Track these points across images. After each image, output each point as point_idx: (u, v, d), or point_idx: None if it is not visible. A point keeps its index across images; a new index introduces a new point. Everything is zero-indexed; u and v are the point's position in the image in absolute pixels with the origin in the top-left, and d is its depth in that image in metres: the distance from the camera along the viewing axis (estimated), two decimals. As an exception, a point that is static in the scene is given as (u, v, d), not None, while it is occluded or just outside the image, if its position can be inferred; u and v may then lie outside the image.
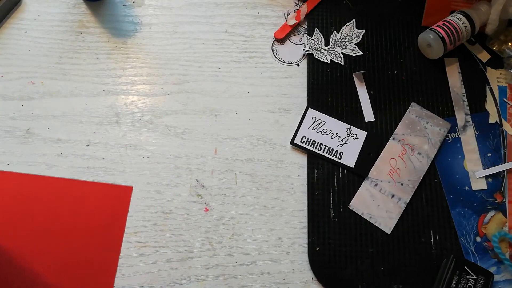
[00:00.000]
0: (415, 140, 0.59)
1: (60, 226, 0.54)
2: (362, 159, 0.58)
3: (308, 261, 0.54)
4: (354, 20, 0.66)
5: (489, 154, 0.59)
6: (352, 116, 0.60)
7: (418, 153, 0.59)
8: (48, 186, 0.56)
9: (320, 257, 0.54)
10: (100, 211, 0.55)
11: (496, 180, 0.58)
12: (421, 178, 0.57)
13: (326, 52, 0.64)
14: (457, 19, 0.61)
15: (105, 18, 0.65)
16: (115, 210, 0.55)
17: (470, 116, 0.61)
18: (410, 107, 0.61)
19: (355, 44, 0.64)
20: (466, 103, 0.61)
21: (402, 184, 0.57)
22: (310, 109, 0.60)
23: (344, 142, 0.59)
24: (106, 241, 0.54)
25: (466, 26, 0.60)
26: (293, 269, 0.54)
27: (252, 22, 0.66)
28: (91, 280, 0.52)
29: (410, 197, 0.57)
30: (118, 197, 0.56)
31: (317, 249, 0.55)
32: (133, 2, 0.67)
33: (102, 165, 0.58)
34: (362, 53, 0.64)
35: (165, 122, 0.60)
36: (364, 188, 0.57)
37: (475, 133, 0.60)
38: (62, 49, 0.63)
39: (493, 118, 0.61)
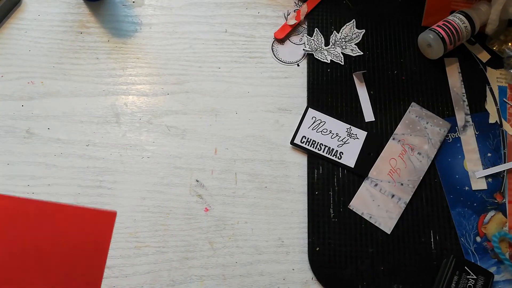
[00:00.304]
0: (415, 140, 0.59)
1: (39, 252, 0.53)
2: (362, 159, 0.58)
3: (308, 261, 0.54)
4: (354, 20, 0.66)
5: (489, 154, 0.59)
6: (352, 116, 0.60)
7: (418, 153, 0.59)
8: (28, 209, 0.55)
9: (320, 257, 0.54)
10: (80, 238, 0.53)
11: (496, 180, 0.58)
12: (421, 178, 0.57)
13: (326, 52, 0.64)
14: (457, 19, 0.61)
15: (105, 18, 0.65)
16: (96, 238, 0.53)
17: (470, 116, 0.61)
18: (410, 107, 0.61)
19: (355, 44, 0.64)
20: (466, 103, 0.61)
21: (402, 184, 0.57)
22: (310, 109, 0.60)
23: (344, 142, 0.59)
24: (86, 271, 0.52)
25: (466, 26, 0.60)
26: (293, 269, 0.54)
27: (252, 22, 0.66)
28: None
29: (410, 197, 0.57)
30: (100, 224, 0.54)
31: (317, 249, 0.55)
32: (133, 2, 0.67)
33: (102, 165, 0.58)
34: (362, 53, 0.64)
35: (165, 122, 0.60)
36: (364, 188, 0.57)
37: (475, 133, 0.60)
38: (62, 49, 0.63)
39: (493, 118, 0.61)
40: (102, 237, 0.54)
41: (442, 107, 0.61)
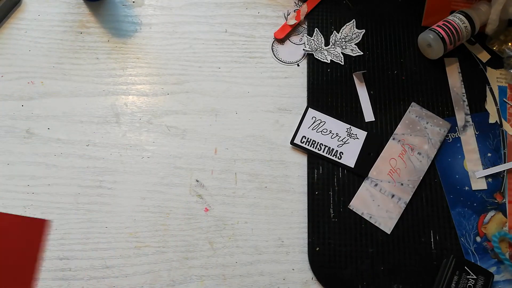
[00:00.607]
0: (415, 140, 0.59)
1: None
2: (362, 159, 0.58)
3: (308, 261, 0.54)
4: (354, 20, 0.66)
5: (489, 154, 0.59)
6: (352, 116, 0.60)
7: (418, 153, 0.59)
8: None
9: (320, 257, 0.54)
10: (6, 246, 0.50)
11: (496, 180, 0.58)
12: (421, 178, 0.57)
13: (326, 52, 0.64)
14: (457, 19, 0.61)
15: (105, 18, 0.65)
16: (26, 247, 0.50)
17: (470, 116, 0.61)
18: (410, 107, 0.61)
19: (355, 44, 0.64)
20: (466, 103, 0.61)
21: (402, 184, 0.57)
22: (310, 109, 0.60)
23: (344, 142, 0.59)
24: (14, 279, 0.49)
25: (466, 26, 0.60)
26: (293, 269, 0.54)
27: (252, 22, 0.66)
28: None
29: (410, 197, 0.57)
30: (30, 232, 0.50)
31: (317, 249, 0.55)
32: (133, 2, 0.67)
33: (102, 165, 0.58)
34: (362, 53, 0.64)
35: (165, 122, 0.60)
36: (364, 188, 0.57)
37: (475, 133, 0.60)
38: (62, 49, 0.63)
39: (493, 118, 0.61)
40: (32, 245, 0.52)
41: (442, 107, 0.61)
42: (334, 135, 0.59)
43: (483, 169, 0.58)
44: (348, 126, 0.60)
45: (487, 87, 0.62)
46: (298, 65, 0.64)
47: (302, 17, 0.65)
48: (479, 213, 0.56)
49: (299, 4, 0.67)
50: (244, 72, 0.63)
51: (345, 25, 0.65)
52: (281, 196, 0.57)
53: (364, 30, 0.65)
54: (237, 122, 0.60)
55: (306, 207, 0.56)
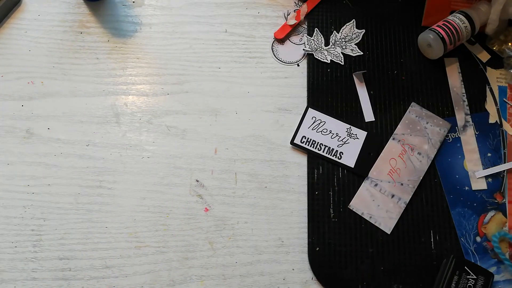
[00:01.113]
0: (415, 140, 0.59)
1: None
2: (362, 159, 0.58)
3: (308, 261, 0.54)
4: (354, 20, 0.66)
5: (489, 154, 0.59)
6: (352, 116, 0.60)
7: (418, 153, 0.59)
8: None
9: (320, 257, 0.54)
10: None
11: (496, 180, 0.58)
12: (421, 178, 0.57)
13: (326, 52, 0.64)
14: (457, 19, 0.61)
15: (105, 18, 0.65)
16: None
17: (470, 116, 0.61)
18: (410, 107, 0.61)
19: (355, 44, 0.64)
20: (466, 103, 0.61)
21: (402, 184, 0.57)
22: (310, 109, 0.60)
23: (344, 142, 0.59)
24: None
25: (466, 26, 0.60)
26: (293, 269, 0.54)
27: (252, 22, 0.66)
28: None
29: (410, 197, 0.57)
30: None
31: (317, 249, 0.55)
32: (133, 2, 0.67)
33: (102, 165, 0.58)
34: (362, 53, 0.64)
35: (165, 122, 0.60)
36: (364, 188, 0.57)
37: (475, 133, 0.60)
38: (62, 49, 0.63)
39: (493, 118, 0.61)
40: None
41: (442, 107, 0.61)
42: (334, 135, 0.59)
43: (483, 169, 0.58)
44: (348, 126, 0.60)
45: (487, 87, 0.62)
46: (298, 65, 0.64)
47: (302, 17, 0.65)
48: (479, 213, 0.56)
49: (299, 4, 0.67)
50: (244, 72, 0.63)
51: (345, 25, 0.65)
52: (281, 196, 0.57)
53: (364, 30, 0.65)
54: (237, 122, 0.60)
55: (306, 207, 0.56)
